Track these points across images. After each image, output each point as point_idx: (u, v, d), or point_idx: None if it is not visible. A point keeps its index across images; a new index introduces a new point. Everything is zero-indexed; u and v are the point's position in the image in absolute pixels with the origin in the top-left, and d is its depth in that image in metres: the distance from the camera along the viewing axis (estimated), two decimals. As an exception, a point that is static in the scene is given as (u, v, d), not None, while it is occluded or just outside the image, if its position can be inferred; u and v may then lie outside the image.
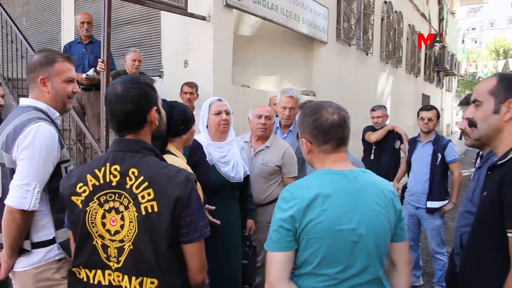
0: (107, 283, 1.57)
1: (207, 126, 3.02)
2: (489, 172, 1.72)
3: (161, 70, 5.75)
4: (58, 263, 2.07)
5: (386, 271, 1.72)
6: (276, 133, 3.86)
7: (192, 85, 4.92)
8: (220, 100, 3.06)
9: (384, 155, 5.19)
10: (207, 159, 2.89)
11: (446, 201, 4.20)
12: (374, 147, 5.29)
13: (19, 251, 2.01)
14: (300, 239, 1.55)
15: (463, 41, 27.43)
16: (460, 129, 2.52)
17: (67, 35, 7.37)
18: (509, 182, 1.52)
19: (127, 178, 1.53)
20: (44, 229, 2.04)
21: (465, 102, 2.59)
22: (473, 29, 56.60)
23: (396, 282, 1.73)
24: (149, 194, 1.50)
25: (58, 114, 2.18)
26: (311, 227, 1.52)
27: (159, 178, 1.51)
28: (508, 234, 1.49)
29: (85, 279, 1.60)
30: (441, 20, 18.99)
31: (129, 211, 1.52)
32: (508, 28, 46.82)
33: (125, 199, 1.53)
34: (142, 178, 1.51)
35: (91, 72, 4.97)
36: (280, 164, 3.41)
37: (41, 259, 2.03)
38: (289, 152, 3.45)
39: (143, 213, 1.50)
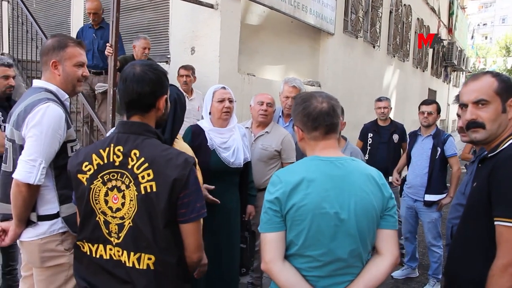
0: (108, 257, 1.65)
1: (210, 113, 3.10)
2: (479, 165, 1.78)
3: (168, 56, 5.81)
4: (61, 236, 2.22)
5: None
6: (278, 122, 3.94)
7: (188, 68, 4.95)
8: (224, 88, 3.13)
9: (382, 148, 5.23)
10: (208, 144, 2.98)
11: (444, 195, 4.26)
12: (370, 141, 5.33)
13: (26, 222, 2.16)
14: (286, 221, 1.64)
15: (472, 37, 27.17)
16: (460, 126, 2.49)
17: (76, 19, 7.43)
18: (497, 172, 1.59)
19: (129, 159, 1.60)
20: (49, 203, 2.18)
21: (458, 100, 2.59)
22: (484, 24, 56.02)
23: (376, 267, 1.71)
24: (148, 174, 1.57)
25: (68, 96, 2.30)
26: (296, 209, 1.60)
27: (159, 159, 1.59)
28: (496, 222, 1.56)
29: (88, 253, 1.69)
30: (450, 14, 18.83)
31: (130, 190, 1.60)
32: (520, 25, 46.31)
33: (126, 179, 1.60)
34: (143, 159, 1.59)
35: (100, 88, 5.19)
36: (279, 149, 3.49)
37: (46, 231, 2.18)
38: (288, 139, 3.54)
39: (143, 192, 1.58)
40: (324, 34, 7.65)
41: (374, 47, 9.71)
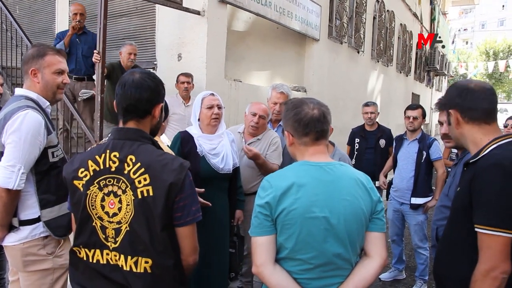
0: (105, 262, 1.66)
1: (199, 119, 3.11)
2: (465, 168, 1.84)
3: (155, 62, 5.81)
4: (43, 240, 2.27)
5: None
6: (266, 127, 3.96)
7: (188, 75, 5.05)
8: (212, 94, 3.15)
9: (369, 153, 5.28)
10: (197, 151, 3.00)
11: (430, 198, 4.33)
12: (357, 146, 5.39)
13: (9, 227, 2.21)
14: (276, 225, 1.67)
15: (453, 42, 27.62)
16: (443, 133, 2.55)
17: (61, 25, 7.37)
18: (477, 180, 1.65)
19: (125, 164, 1.63)
20: (30, 208, 2.23)
21: (438, 107, 2.68)
22: (464, 30, 57.02)
23: (365, 269, 1.73)
24: (145, 179, 1.60)
25: (49, 103, 2.36)
26: (286, 213, 1.63)
27: (155, 164, 1.61)
28: (476, 229, 1.61)
29: (85, 258, 1.70)
30: (432, 20, 19.13)
31: (126, 195, 1.61)
32: (499, 30, 47.24)
33: (123, 184, 1.62)
34: (139, 164, 1.61)
35: (83, 95, 5.22)
36: (266, 149, 3.52)
37: (28, 235, 2.23)
38: (275, 141, 3.58)
39: (139, 197, 1.60)
40: (309, 40, 7.73)
41: (358, 52, 9.83)
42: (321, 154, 1.79)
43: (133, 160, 1.62)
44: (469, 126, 1.79)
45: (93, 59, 4.41)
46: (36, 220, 2.24)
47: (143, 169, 1.61)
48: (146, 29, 6.03)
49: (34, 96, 2.28)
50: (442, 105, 1.88)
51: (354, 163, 5.20)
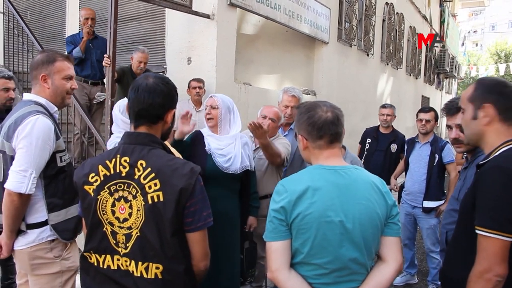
0: (115, 267, 1.65)
1: None
2: (478, 170, 1.81)
3: (165, 66, 5.82)
4: (50, 243, 2.29)
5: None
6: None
7: (200, 80, 5.08)
8: (211, 96, 3.21)
9: (378, 155, 5.24)
10: (206, 148, 3.05)
11: (442, 201, 4.28)
12: (367, 146, 5.35)
13: (17, 232, 2.23)
14: (291, 229, 1.65)
15: (463, 44, 27.44)
16: (453, 138, 2.55)
17: (72, 29, 7.43)
18: (479, 182, 1.64)
19: (136, 169, 1.61)
20: (38, 212, 2.25)
21: (446, 111, 2.65)
22: (474, 31, 56.63)
23: (381, 274, 1.72)
24: (155, 184, 1.58)
25: (57, 108, 2.39)
26: (301, 218, 1.61)
27: (165, 169, 1.60)
28: (476, 231, 1.60)
29: (95, 264, 1.69)
30: (442, 22, 19.03)
31: (137, 200, 1.60)
32: (509, 32, 46.88)
33: (133, 189, 1.61)
34: (149, 169, 1.60)
35: (99, 97, 5.27)
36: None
37: (35, 239, 2.25)
38: (283, 141, 3.55)
39: (150, 202, 1.58)
40: (318, 43, 7.71)
41: (367, 55, 9.79)
42: (336, 157, 1.77)
43: (144, 165, 1.61)
44: (499, 125, 1.74)
45: (104, 63, 4.43)
46: (43, 223, 2.26)
47: (153, 174, 1.59)
48: (156, 33, 6.05)
49: (43, 101, 2.31)
50: (473, 98, 1.78)
51: (363, 163, 5.17)
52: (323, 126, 1.73)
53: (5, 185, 2.11)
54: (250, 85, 6.00)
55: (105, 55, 4.39)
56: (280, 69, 7.16)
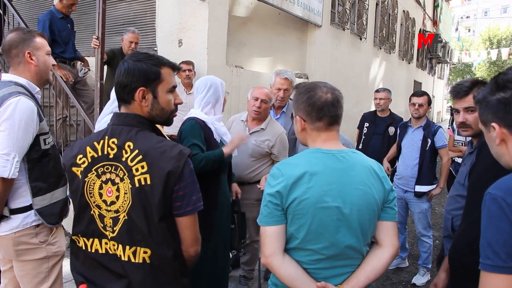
0: (103, 251, 1.61)
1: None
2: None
3: (155, 49, 5.73)
4: (35, 228, 2.23)
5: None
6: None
7: (189, 63, 4.99)
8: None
9: (376, 138, 5.23)
10: (214, 136, 2.93)
11: (434, 186, 4.28)
12: (365, 130, 5.34)
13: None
14: (287, 214, 1.61)
15: (456, 29, 27.41)
16: (460, 122, 2.37)
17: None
18: None
19: (123, 151, 1.57)
20: (22, 196, 2.18)
21: (455, 94, 2.50)
22: (467, 17, 56.59)
23: (377, 258, 1.70)
24: (142, 167, 1.53)
25: (39, 89, 2.32)
26: (297, 203, 1.57)
27: (153, 152, 1.55)
28: None
29: (83, 247, 1.65)
30: (435, 7, 18.98)
31: (124, 183, 1.56)
32: (502, 18, 46.89)
33: (120, 171, 1.57)
34: (137, 151, 1.55)
35: (82, 73, 5.15)
36: (272, 147, 3.46)
37: (19, 224, 2.18)
38: (283, 137, 3.51)
39: (137, 185, 1.54)
40: (311, 26, 7.63)
41: (361, 39, 9.73)
42: (333, 140, 1.72)
43: (131, 147, 1.56)
44: None
45: (92, 45, 4.32)
46: (28, 208, 2.19)
47: (140, 157, 1.54)
48: (146, 14, 5.94)
49: (23, 81, 2.22)
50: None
51: (360, 148, 5.15)
52: (323, 107, 1.67)
53: None
54: (242, 68, 5.93)
55: (93, 36, 4.28)
56: (272, 52, 7.08)
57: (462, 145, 5.27)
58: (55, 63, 2.41)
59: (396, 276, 4.50)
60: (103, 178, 1.59)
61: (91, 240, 1.63)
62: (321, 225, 1.58)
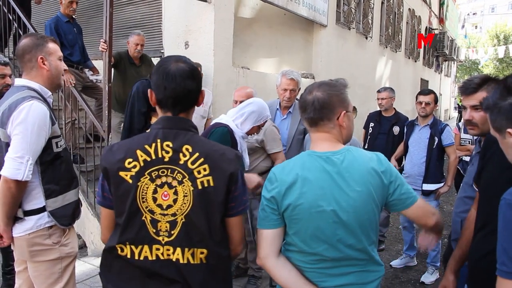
0: (154, 258, 1.58)
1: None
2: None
3: (162, 51, 5.77)
4: (48, 230, 2.28)
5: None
6: (276, 114, 3.91)
7: (198, 65, 4.97)
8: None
9: (381, 138, 5.23)
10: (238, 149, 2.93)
11: (442, 184, 4.27)
12: (370, 130, 5.34)
13: (13, 219, 2.21)
14: (284, 219, 1.65)
15: (463, 26, 27.24)
16: (467, 119, 2.31)
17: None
18: None
19: (181, 154, 1.56)
20: (35, 198, 2.23)
21: (463, 90, 2.44)
22: (474, 14, 56.21)
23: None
24: (204, 169, 1.55)
25: (50, 93, 2.37)
26: (292, 209, 1.60)
27: (213, 154, 1.58)
28: None
29: (128, 255, 1.60)
30: (441, 4, 18.88)
31: (183, 185, 1.55)
32: (509, 14, 46.53)
33: (178, 174, 1.56)
34: (197, 154, 1.56)
35: (93, 77, 5.22)
36: (261, 141, 3.48)
37: (33, 226, 2.23)
38: (270, 129, 3.51)
39: (199, 187, 1.55)
40: (317, 26, 7.64)
41: (366, 38, 9.72)
42: (325, 141, 1.68)
43: (190, 150, 1.56)
44: None
45: (100, 48, 4.37)
46: (41, 210, 2.24)
47: (202, 159, 1.55)
48: (152, 17, 5.98)
49: (36, 86, 2.26)
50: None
51: (366, 148, 5.16)
52: (304, 109, 1.69)
53: (1, 172, 2.08)
54: (248, 69, 5.95)
55: (101, 40, 4.33)
56: (278, 53, 7.11)
57: (469, 143, 5.26)
58: (67, 68, 2.46)
59: (405, 275, 4.50)
60: (158, 181, 1.57)
61: (140, 247, 1.59)
62: (318, 229, 1.60)
